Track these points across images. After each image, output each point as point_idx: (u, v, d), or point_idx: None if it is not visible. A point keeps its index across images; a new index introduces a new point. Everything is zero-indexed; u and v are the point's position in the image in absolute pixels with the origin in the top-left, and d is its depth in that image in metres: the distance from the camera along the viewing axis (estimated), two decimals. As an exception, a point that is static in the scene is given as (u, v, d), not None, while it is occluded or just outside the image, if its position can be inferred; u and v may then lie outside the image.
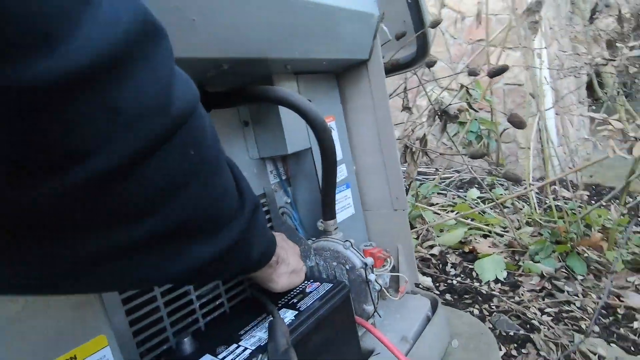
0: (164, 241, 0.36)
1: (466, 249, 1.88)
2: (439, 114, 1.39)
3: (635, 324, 1.23)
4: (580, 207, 1.92)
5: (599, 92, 4.10)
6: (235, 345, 0.70)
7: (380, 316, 0.93)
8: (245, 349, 0.69)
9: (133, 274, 0.37)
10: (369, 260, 0.89)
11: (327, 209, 0.96)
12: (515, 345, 1.19)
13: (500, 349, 1.15)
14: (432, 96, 1.44)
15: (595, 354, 1.07)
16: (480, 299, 1.48)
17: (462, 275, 1.66)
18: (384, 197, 1.15)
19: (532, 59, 3.02)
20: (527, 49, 2.08)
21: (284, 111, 0.93)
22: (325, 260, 0.97)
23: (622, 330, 1.20)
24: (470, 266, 1.72)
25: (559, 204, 2.01)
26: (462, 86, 1.42)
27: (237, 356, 0.67)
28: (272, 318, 0.71)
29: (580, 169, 2.05)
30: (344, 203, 1.14)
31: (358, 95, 1.11)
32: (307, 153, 1.04)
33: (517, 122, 1.11)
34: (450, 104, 1.37)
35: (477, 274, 1.63)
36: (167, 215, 0.34)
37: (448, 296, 1.50)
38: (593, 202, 2.25)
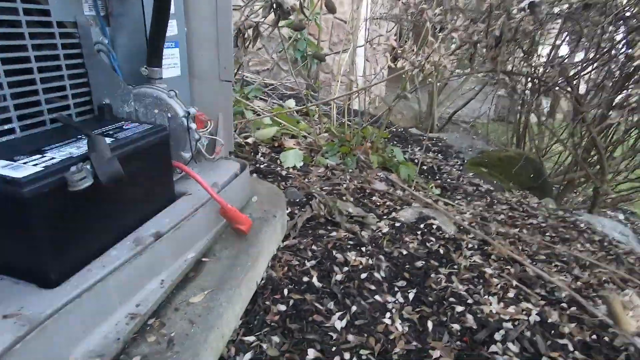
0: None
1: (276, 144, 2.17)
2: (274, 7, 1.48)
3: (374, 198, 1.81)
4: (359, 124, 2.50)
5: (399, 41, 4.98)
6: (39, 155, 0.69)
7: (196, 162, 1.04)
8: (53, 158, 0.68)
9: None
10: (192, 110, 0.97)
11: (154, 55, 0.95)
12: (298, 207, 1.56)
13: (287, 209, 1.48)
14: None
15: (346, 211, 1.55)
16: (279, 178, 1.80)
17: (268, 162, 1.95)
18: (212, 66, 1.20)
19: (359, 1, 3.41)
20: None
21: None
22: (146, 107, 0.99)
23: (366, 201, 1.76)
24: (276, 156, 2.03)
25: (349, 122, 2.53)
26: (298, -14, 1.54)
27: (44, 162, 0.66)
28: (88, 137, 0.71)
29: (360, 89, 2.61)
30: (171, 61, 1.13)
31: (200, -52, 1.07)
32: (135, -10, 0.96)
33: (331, 7, 1.33)
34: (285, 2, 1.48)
35: (280, 162, 1.95)
36: None
37: (255, 176, 1.75)
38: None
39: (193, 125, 0.99)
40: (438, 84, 4.57)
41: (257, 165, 1.89)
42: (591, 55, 2.54)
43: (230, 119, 1.27)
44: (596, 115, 2.54)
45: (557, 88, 2.27)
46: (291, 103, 2.89)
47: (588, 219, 2.16)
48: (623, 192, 3.26)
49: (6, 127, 0.80)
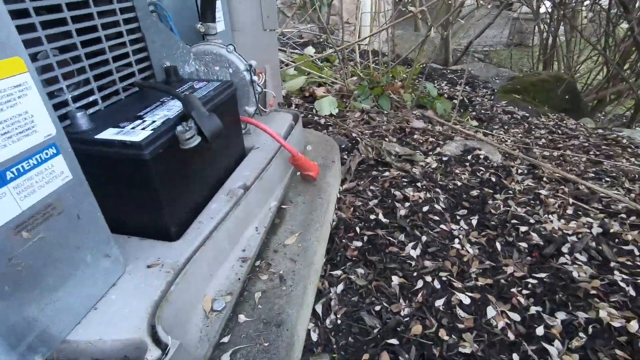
0: None
1: (306, 94, 2.15)
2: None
3: (415, 136, 1.82)
4: (388, 63, 2.43)
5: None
6: (139, 121, 0.72)
7: (260, 115, 1.06)
8: (154, 121, 0.71)
9: None
10: (253, 62, 0.97)
11: (208, 9, 0.94)
12: (347, 152, 1.59)
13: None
14: None
15: (394, 151, 1.57)
16: (319, 127, 1.81)
17: (304, 112, 1.95)
18: (255, 16, 1.17)
19: None
20: None
21: None
22: (207, 65, 0.99)
23: (408, 139, 1.77)
24: (310, 106, 2.02)
25: (375, 64, 2.46)
26: None
27: (149, 126, 0.69)
28: (182, 95, 0.73)
29: (386, 27, 2.51)
30: (217, 15, 1.11)
31: None
32: (178, -58, 0.92)
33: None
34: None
35: (316, 111, 1.95)
36: None
37: (295, 127, 1.77)
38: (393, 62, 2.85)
39: (256, 78, 0.99)
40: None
41: (295, 116, 1.90)
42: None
43: (277, 69, 1.26)
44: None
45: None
46: (310, 50, 2.81)
47: (629, 134, 2.13)
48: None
49: (91, 98, 0.82)
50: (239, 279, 0.77)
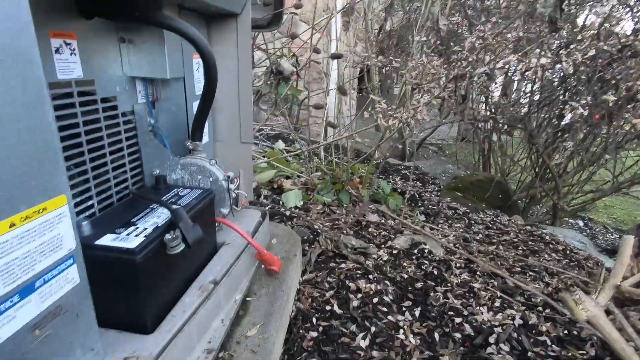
0: None
1: (275, 186, 2.38)
2: (275, 72, 1.74)
3: (370, 229, 2.04)
4: (348, 161, 2.77)
5: (367, 82, 5.42)
6: (133, 227, 0.87)
7: (233, 216, 1.24)
8: (145, 228, 0.87)
9: None
10: (230, 174, 1.18)
11: (198, 132, 1.16)
12: (308, 243, 1.76)
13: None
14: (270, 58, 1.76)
15: (350, 244, 1.76)
16: (285, 218, 2.00)
17: (272, 204, 2.14)
18: (234, 131, 1.42)
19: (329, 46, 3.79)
20: (332, 39, 2.68)
21: (168, 38, 1.04)
22: (191, 174, 1.19)
23: (364, 232, 1.98)
24: (277, 197, 2.23)
25: (337, 159, 2.79)
26: (293, 54, 1.81)
27: (141, 232, 0.84)
28: (172, 207, 0.90)
29: (349, 135, 2.90)
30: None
31: (225, 42, 1.31)
32: (179, 81, 1.18)
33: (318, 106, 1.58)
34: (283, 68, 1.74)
35: (282, 203, 2.15)
36: None
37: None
38: (355, 159, 3.21)
39: (232, 186, 1.19)
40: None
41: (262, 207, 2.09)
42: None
43: (250, 174, 1.48)
44: (546, 142, 2.96)
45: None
46: (280, 145, 3.13)
47: (551, 231, 2.48)
48: (579, 204, 3.68)
49: (89, 203, 0.97)
50: (204, 370, 0.86)
